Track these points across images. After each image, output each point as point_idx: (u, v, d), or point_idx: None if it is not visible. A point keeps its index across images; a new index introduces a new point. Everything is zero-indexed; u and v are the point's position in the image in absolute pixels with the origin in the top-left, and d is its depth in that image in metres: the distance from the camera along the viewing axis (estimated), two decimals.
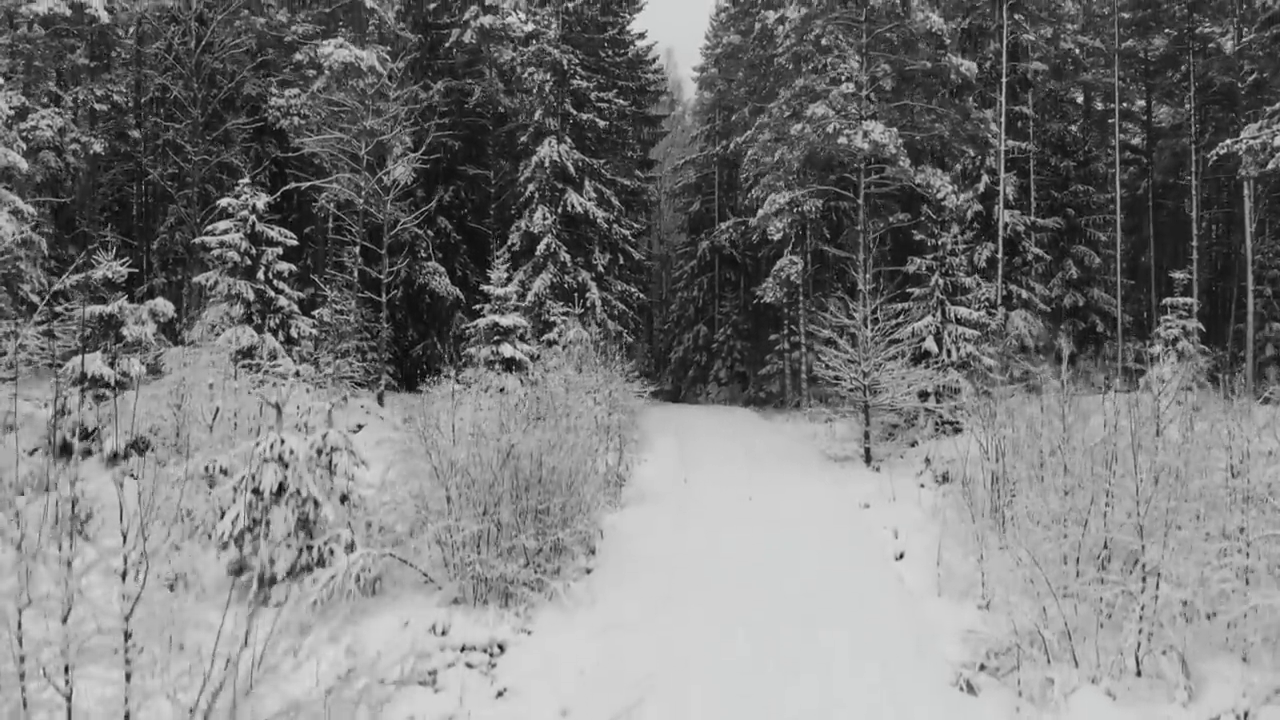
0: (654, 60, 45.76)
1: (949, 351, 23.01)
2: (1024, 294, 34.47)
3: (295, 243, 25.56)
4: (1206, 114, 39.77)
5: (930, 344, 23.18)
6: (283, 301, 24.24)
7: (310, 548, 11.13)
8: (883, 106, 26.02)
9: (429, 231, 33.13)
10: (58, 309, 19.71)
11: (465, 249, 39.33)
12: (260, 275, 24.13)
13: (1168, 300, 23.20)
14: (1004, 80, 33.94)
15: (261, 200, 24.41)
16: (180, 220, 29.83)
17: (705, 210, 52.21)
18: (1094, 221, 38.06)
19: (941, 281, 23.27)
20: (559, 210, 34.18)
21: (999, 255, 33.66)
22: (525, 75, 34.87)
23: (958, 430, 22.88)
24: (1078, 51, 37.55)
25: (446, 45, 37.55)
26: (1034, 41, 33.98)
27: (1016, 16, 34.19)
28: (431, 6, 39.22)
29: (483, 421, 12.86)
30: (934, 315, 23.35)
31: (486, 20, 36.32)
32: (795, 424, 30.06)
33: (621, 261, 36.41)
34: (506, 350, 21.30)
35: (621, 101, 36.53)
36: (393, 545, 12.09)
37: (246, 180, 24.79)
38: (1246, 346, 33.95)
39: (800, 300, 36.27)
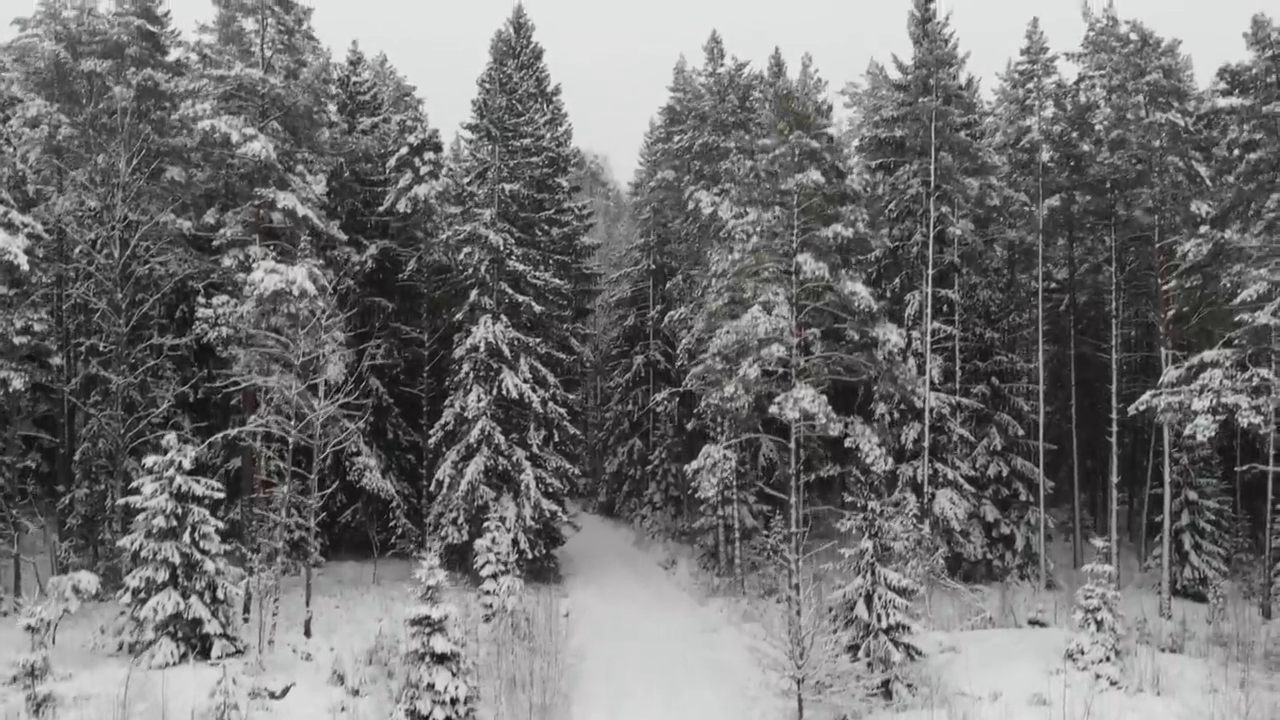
0: (589, 216, 45.89)
1: (879, 616, 23.50)
2: (949, 473, 35.36)
3: (223, 495, 25.11)
4: (1126, 249, 40.96)
5: (861, 608, 23.65)
6: (209, 565, 23.74)
7: None
8: (813, 360, 26.56)
9: (360, 424, 32.64)
10: None
11: (397, 410, 38.98)
12: (185, 537, 23.64)
13: (1088, 567, 24.03)
14: (929, 270, 34.86)
15: (188, 457, 23.93)
16: (102, 428, 29.09)
17: (640, 324, 52.39)
18: (1017, 389, 39.17)
19: (870, 545, 23.76)
20: (494, 391, 33.97)
21: (925, 441, 34.55)
22: (461, 255, 34.62)
23: (889, 696, 23.49)
24: (999, 204, 38.23)
25: (380, 210, 37.18)
26: (961, 235, 34.92)
27: (944, 209, 35.15)
28: (366, 166, 38.82)
29: None
30: (864, 578, 23.84)
31: (421, 190, 36.02)
32: (733, 633, 29.83)
33: (556, 438, 36.38)
34: (439, 644, 21.10)
35: (557, 281, 36.54)
36: None
37: (172, 436, 24.31)
38: (1164, 512, 35.37)
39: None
